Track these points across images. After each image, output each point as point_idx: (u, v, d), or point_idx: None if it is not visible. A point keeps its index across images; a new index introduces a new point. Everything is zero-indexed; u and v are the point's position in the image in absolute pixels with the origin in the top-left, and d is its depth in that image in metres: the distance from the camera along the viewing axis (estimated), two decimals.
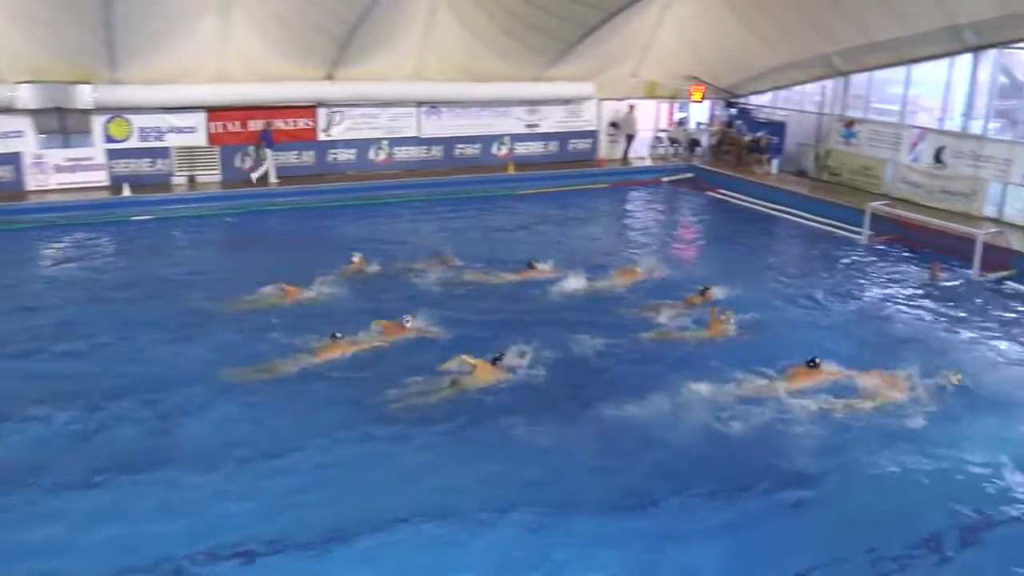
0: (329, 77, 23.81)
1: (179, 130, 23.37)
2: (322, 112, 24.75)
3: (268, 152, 24.16)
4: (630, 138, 29.32)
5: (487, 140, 27.41)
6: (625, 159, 29.35)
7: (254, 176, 24.06)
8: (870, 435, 11.23)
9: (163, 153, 23.36)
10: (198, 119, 23.43)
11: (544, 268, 17.34)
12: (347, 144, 25.35)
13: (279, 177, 24.10)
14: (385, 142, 25.92)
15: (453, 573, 8.60)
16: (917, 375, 12.43)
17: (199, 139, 23.62)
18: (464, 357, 12.40)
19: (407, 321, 13.83)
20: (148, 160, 23.22)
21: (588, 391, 12.24)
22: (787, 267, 19.11)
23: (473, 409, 11.65)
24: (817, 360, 12.56)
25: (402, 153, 26.28)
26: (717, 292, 16.01)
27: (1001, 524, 9.59)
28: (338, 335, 13.24)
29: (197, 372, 12.51)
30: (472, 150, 27.26)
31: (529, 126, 27.93)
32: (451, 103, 26.36)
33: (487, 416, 11.49)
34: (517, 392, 12.16)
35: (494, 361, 12.46)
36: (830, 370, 12.52)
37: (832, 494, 10.03)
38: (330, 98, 24.47)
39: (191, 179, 23.65)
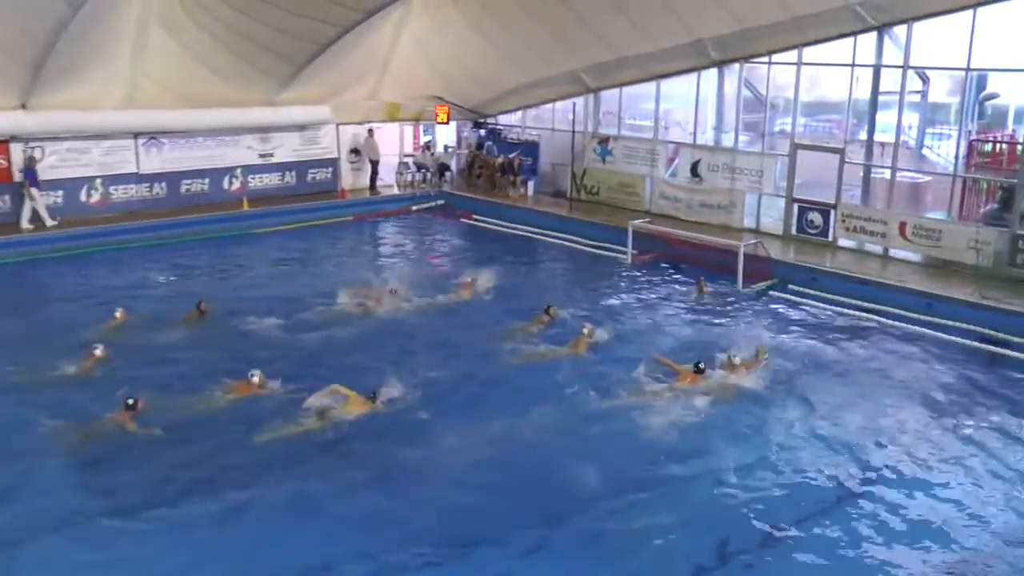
0: (23, 106, 22.99)
1: None
2: (17, 148, 23.79)
3: (35, 192, 23.45)
4: (375, 165, 30.18)
5: (217, 174, 27.34)
6: (373, 188, 30.18)
7: (24, 222, 23.33)
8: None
9: None
10: None
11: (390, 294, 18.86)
12: (52, 185, 24.38)
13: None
14: (99, 180, 25.31)
15: None
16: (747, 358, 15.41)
17: None
18: (336, 387, 13.70)
19: (253, 376, 14.23)
20: None
21: (457, 419, 13.45)
22: (555, 291, 20.43)
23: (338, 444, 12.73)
24: (702, 365, 14.90)
25: (120, 192, 25.72)
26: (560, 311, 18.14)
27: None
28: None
29: None
30: (200, 185, 27.09)
31: (263, 156, 28.19)
32: (173, 133, 26.13)
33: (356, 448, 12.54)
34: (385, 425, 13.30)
35: (372, 396, 13.65)
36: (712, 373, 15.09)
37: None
38: (26, 131, 23.58)
39: None
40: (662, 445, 12.85)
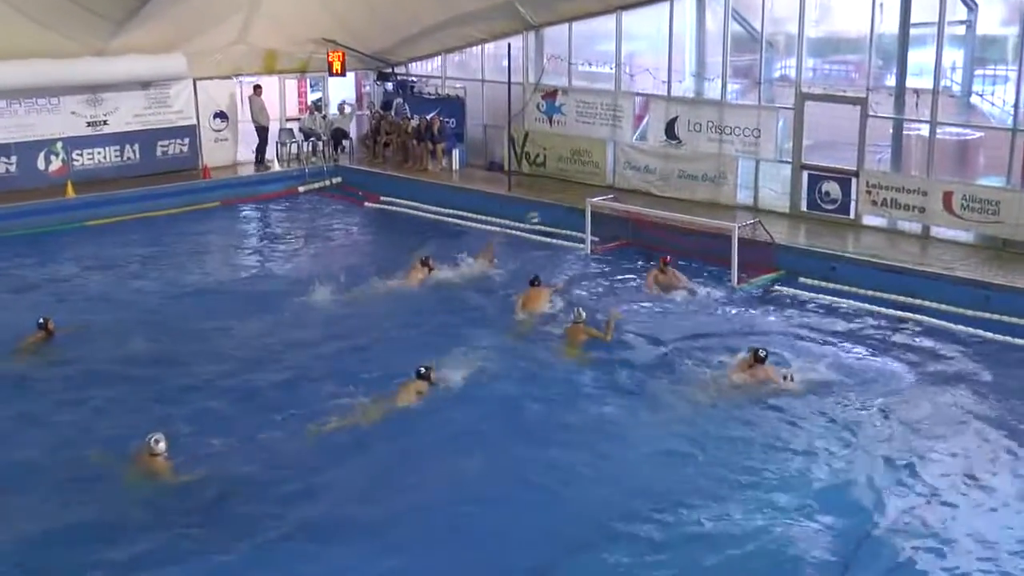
0: None
1: None
2: None
3: None
4: (263, 133, 29.95)
5: (28, 149, 26.81)
6: (262, 162, 30.03)
7: None
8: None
9: None
10: None
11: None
12: None
13: None
14: None
15: None
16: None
17: None
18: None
19: (157, 442, 13.32)
20: None
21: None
22: (491, 296, 20.13)
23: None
24: (762, 352, 15.85)
25: None
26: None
27: None
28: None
29: None
30: (5, 165, 26.55)
31: (93, 124, 27.63)
32: None
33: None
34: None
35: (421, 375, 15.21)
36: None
37: None
38: None
39: None
40: (656, 479, 13.27)
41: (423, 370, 15.15)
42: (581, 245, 22.95)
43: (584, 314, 17.56)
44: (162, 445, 13.24)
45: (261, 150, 30.03)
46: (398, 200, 27.52)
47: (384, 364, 16.29)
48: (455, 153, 29.52)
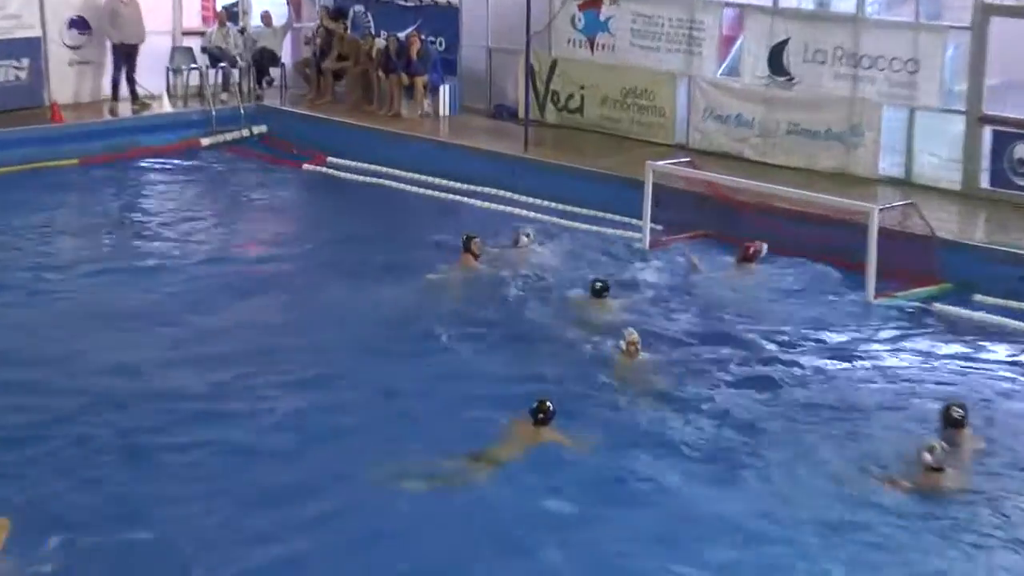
0: None
1: None
2: None
3: None
4: (130, 52, 29.94)
5: None
6: (133, 97, 30.14)
7: None
8: None
9: None
10: None
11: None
12: None
13: None
14: None
15: None
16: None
17: None
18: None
19: None
20: None
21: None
22: (492, 325, 20.04)
23: None
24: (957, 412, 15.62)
25: None
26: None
27: None
28: None
29: None
30: None
31: None
32: None
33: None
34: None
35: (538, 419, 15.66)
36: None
37: None
38: None
39: None
40: None
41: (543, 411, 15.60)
42: (636, 235, 22.94)
43: (637, 340, 17.79)
44: None
45: (130, 78, 30.05)
46: (352, 162, 27.62)
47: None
48: (443, 91, 29.74)
